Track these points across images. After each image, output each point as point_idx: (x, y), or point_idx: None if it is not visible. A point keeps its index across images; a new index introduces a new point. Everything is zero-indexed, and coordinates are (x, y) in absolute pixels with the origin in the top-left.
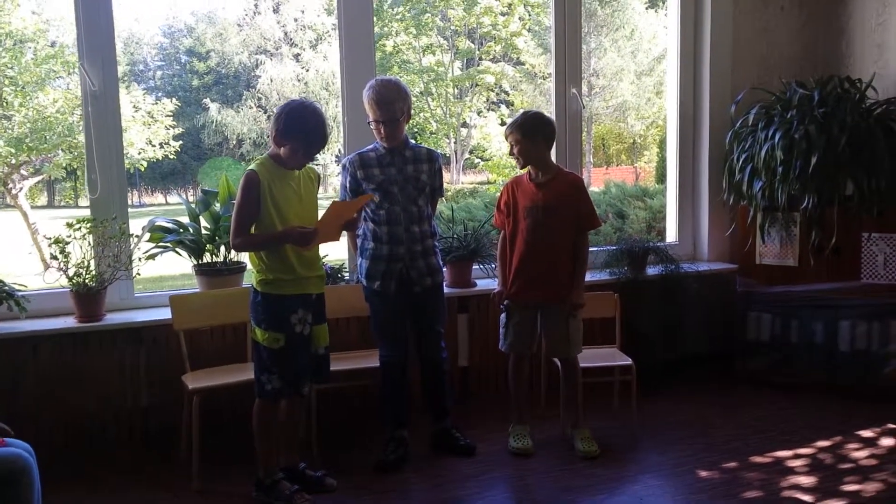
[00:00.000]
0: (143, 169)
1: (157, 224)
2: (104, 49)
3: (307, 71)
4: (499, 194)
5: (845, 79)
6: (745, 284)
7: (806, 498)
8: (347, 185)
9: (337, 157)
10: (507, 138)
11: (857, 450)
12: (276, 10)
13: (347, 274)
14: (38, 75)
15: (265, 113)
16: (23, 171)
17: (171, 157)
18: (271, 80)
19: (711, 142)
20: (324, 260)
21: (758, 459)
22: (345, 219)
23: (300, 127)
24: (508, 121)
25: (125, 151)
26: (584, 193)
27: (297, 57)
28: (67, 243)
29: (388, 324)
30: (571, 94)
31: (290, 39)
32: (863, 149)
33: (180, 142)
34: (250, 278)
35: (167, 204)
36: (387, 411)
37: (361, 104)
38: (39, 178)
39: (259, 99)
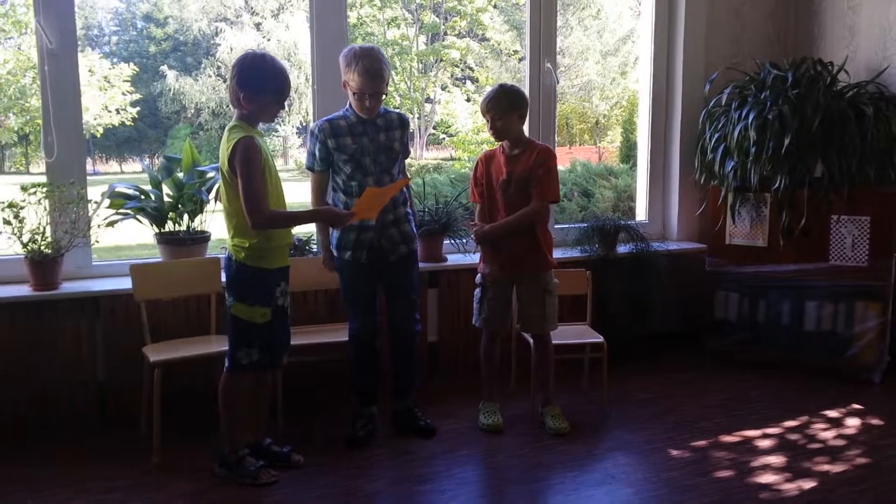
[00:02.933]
0: (98, 135)
1: (117, 190)
2: (62, 4)
3: (268, 40)
4: (472, 170)
5: (817, 61)
6: (713, 264)
7: (777, 478)
8: (317, 153)
9: (299, 128)
10: (484, 113)
11: (825, 430)
12: None
13: (315, 246)
14: None
15: (224, 82)
16: None
17: (129, 123)
18: (231, 49)
19: (683, 121)
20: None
21: (727, 438)
22: (382, 203)
23: (264, 75)
24: (483, 95)
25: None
26: (549, 163)
27: (257, 26)
28: (22, 208)
29: (358, 295)
30: (546, 68)
31: (251, 8)
32: (834, 131)
33: (137, 108)
34: (220, 251)
35: (122, 173)
36: (356, 386)
37: (331, 72)
38: None
39: (218, 67)
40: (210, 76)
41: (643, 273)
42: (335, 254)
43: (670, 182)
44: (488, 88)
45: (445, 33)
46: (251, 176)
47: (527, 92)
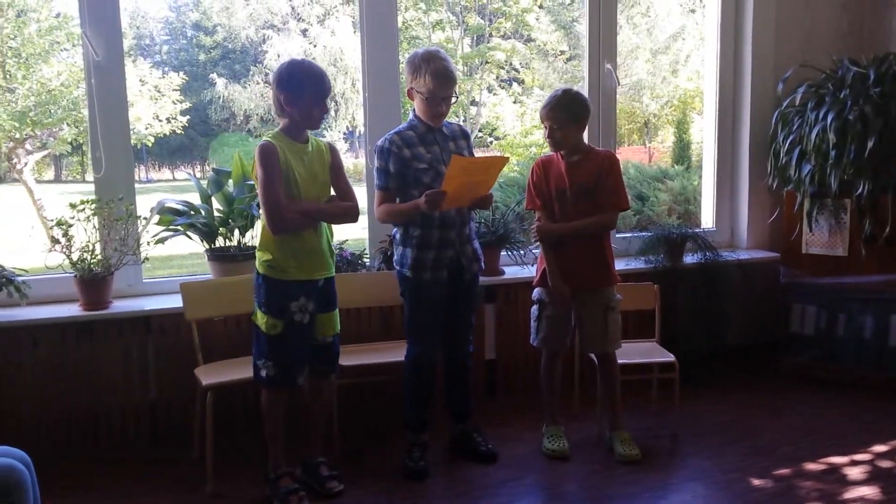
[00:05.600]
0: (150, 144)
1: (166, 206)
2: (108, 16)
3: (314, 46)
4: (529, 175)
5: None
6: (788, 274)
7: None
8: (391, 168)
9: (345, 133)
10: (543, 120)
11: None
12: None
13: (368, 259)
14: (42, 47)
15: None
16: (27, 146)
17: (179, 132)
18: (278, 56)
19: (753, 122)
20: (343, 245)
21: (812, 466)
22: (475, 180)
23: (303, 81)
24: (545, 99)
25: (132, 127)
26: (615, 170)
27: (304, 32)
28: (71, 225)
29: (431, 319)
30: (606, 69)
31: (298, 14)
32: None
33: (187, 116)
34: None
35: (175, 180)
36: (413, 414)
37: (382, 79)
38: (45, 153)
39: (266, 74)
40: (258, 83)
41: (712, 285)
42: (409, 275)
43: (739, 187)
44: (536, 90)
45: (490, 35)
46: (265, 177)
47: (586, 94)
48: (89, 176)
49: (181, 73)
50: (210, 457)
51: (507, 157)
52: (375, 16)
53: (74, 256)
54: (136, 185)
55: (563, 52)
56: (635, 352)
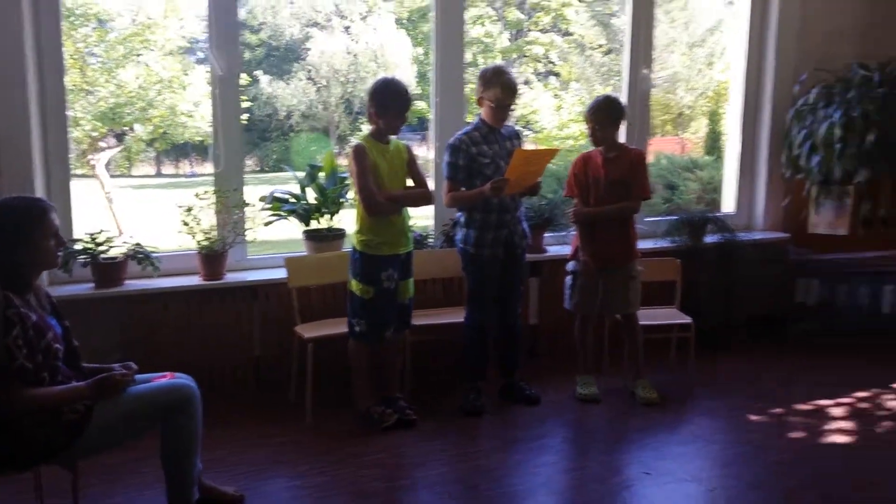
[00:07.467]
0: (194, 142)
1: (275, 195)
2: (230, 38)
3: (356, 43)
4: (571, 167)
5: None
6: (796, 252)
7: (845, 440)
8: (460, 163)
9: None
10: (587, 121)
11: (893, 400)
12: None
13: (432, 239)
14: (122, 53)
15: (314, 85)
16: (101, 144)
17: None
18: (321, 53)
19: (773, 117)
20: (412, 227)
21: (802, 407)
22: (531, 170)
23: (390, 98)
24: (589, 103)
25: (196, 126)
26: (643, 166)
27: (346, 29)
28: (201, 209)
29: (488, 289)
30: (642, 74)
31: (341, 12)
32: None
33: (247, 115)
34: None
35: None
36: (472, 366)
37: (451, 87)
38: (118, 149)
39: (308, 71)
40: (301, 80)
41: (729, 262)
42: (471, 251)
43: (758, 175)
44: (573, 84)
45: (529, 29)
46: (359, 173)
47: (625, 96)
48: (135, 170)
49: (244, 75)
50: (310, 396)
51: (559, 149)
52: (448, 27)
53: (199, 237)
54: (183, 180)
55: (600, 46)
56: (658, 315)
